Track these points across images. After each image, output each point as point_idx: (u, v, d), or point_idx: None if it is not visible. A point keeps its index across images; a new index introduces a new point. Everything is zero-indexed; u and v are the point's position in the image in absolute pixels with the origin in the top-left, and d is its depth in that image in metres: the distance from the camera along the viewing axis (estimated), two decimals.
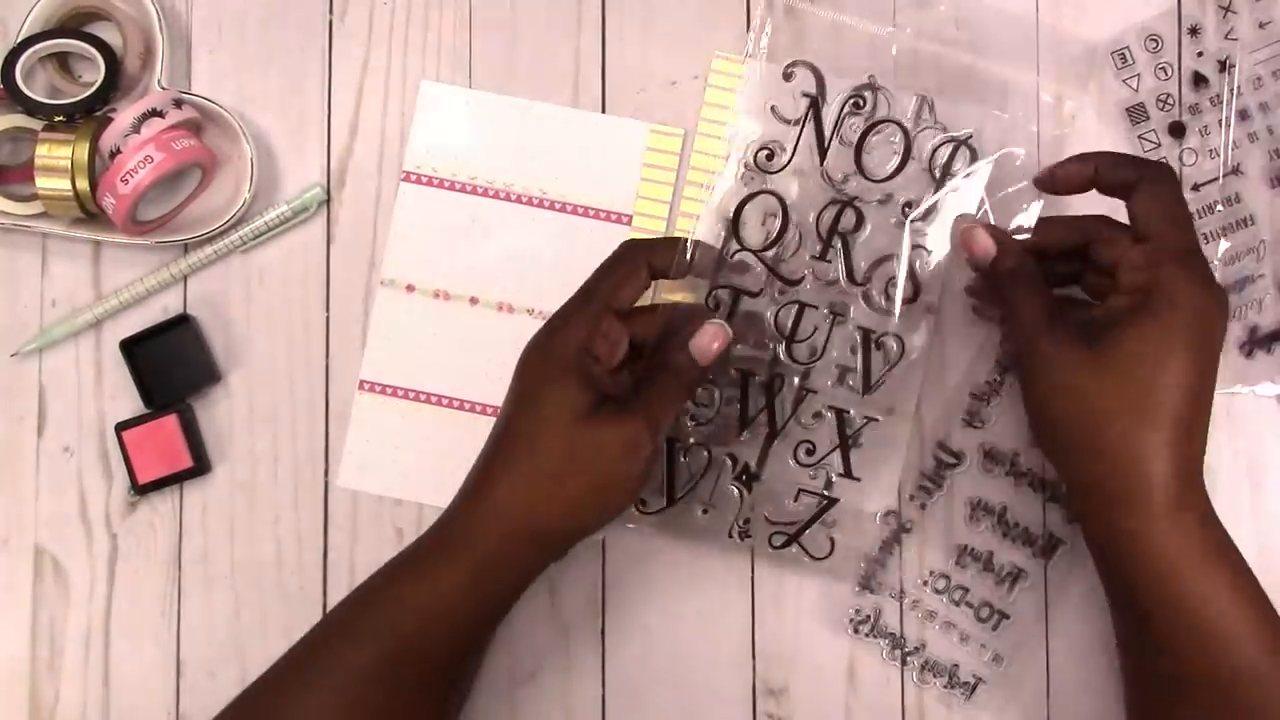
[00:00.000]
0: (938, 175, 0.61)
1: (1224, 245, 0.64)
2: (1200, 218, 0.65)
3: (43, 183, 0.63)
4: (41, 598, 0.66)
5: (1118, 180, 0.57)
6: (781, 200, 0.62)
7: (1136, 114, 0.66)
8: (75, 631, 0.66)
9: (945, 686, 0.64)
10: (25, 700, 0.65)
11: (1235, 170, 0.65)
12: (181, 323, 0.66)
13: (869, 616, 0.64)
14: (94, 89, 0.64)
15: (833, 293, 0.62)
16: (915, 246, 0.61)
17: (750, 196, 0.62)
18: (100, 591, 0.66)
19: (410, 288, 0.66)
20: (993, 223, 0.60)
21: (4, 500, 0.66)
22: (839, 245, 0.62)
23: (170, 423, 0.65)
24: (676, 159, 0.66)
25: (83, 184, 0.63)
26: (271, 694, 0.57)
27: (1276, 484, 0.64)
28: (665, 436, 0.61)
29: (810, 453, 0.63)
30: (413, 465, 0.66)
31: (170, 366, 0.66)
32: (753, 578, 0.65)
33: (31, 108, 0.64)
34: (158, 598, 0.66)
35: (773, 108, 0.62)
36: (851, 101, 0.62)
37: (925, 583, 0.64)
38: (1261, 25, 0.65)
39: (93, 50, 0.64)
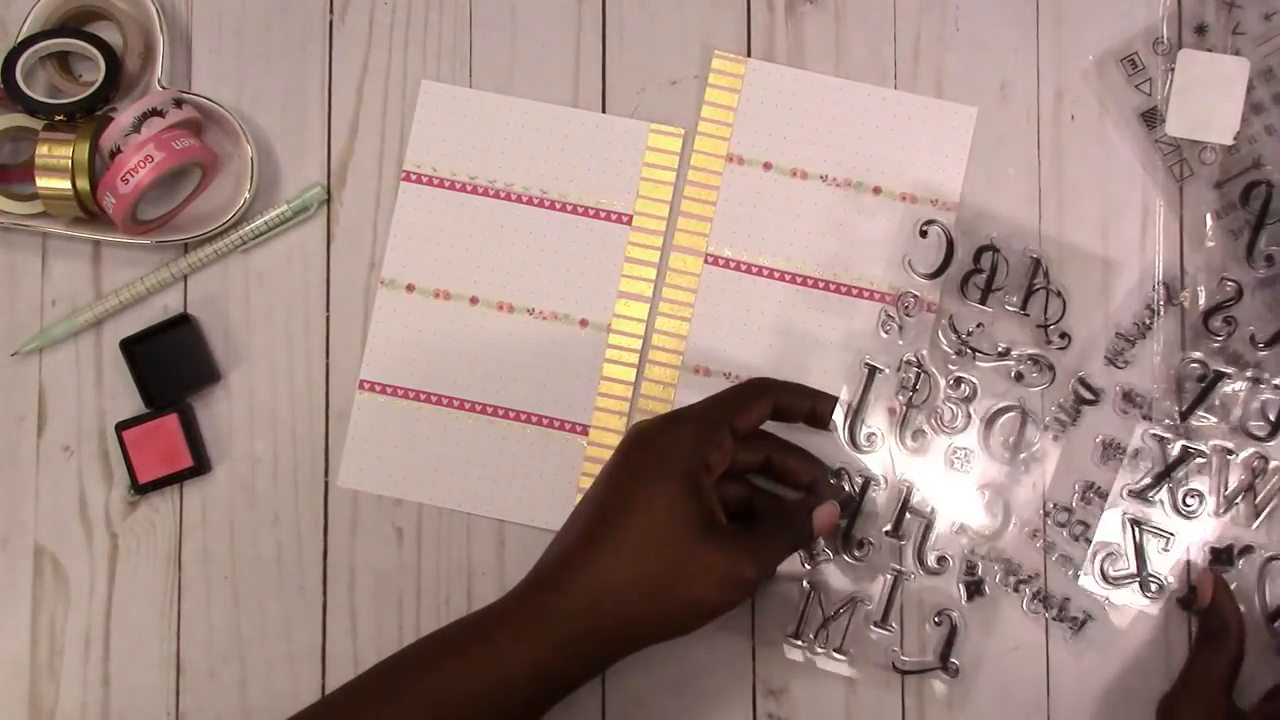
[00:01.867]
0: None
1: (1264, 240, 0.64)
2: (1227, 215, 0.64)
3: (43, 182, 0.63)
4: (41, 597, 0.66)
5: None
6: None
7: (1152, 118, 0.65)
8: (75, 631, 0.66)
9: (1055, 619, 0.63)
10: (25, 700, 0.66)
11: (1256, 164, 0.64)
12: (181, 322, 0.66)
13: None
14: (94, 88, 0.64)
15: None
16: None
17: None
18: (100, 591, 0.66)
19: (410, 288, 0.66)
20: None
21: (4, 500, 0.66)
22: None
23: (170, 422, 0.65)
24: (676, 159, 0.66)
25: (83, 183, 0.63)
26: None
27: None
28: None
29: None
30: (413, 465, 0.66)
31: (170, 366, 0.66)
32: None
33: (32, 107, 0.64)
34: (158, 598, 0.66)
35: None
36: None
37: (1047, 514, 0.64)
38: (1267, 17, 0.64)
39: (93, 50, 0.64)
